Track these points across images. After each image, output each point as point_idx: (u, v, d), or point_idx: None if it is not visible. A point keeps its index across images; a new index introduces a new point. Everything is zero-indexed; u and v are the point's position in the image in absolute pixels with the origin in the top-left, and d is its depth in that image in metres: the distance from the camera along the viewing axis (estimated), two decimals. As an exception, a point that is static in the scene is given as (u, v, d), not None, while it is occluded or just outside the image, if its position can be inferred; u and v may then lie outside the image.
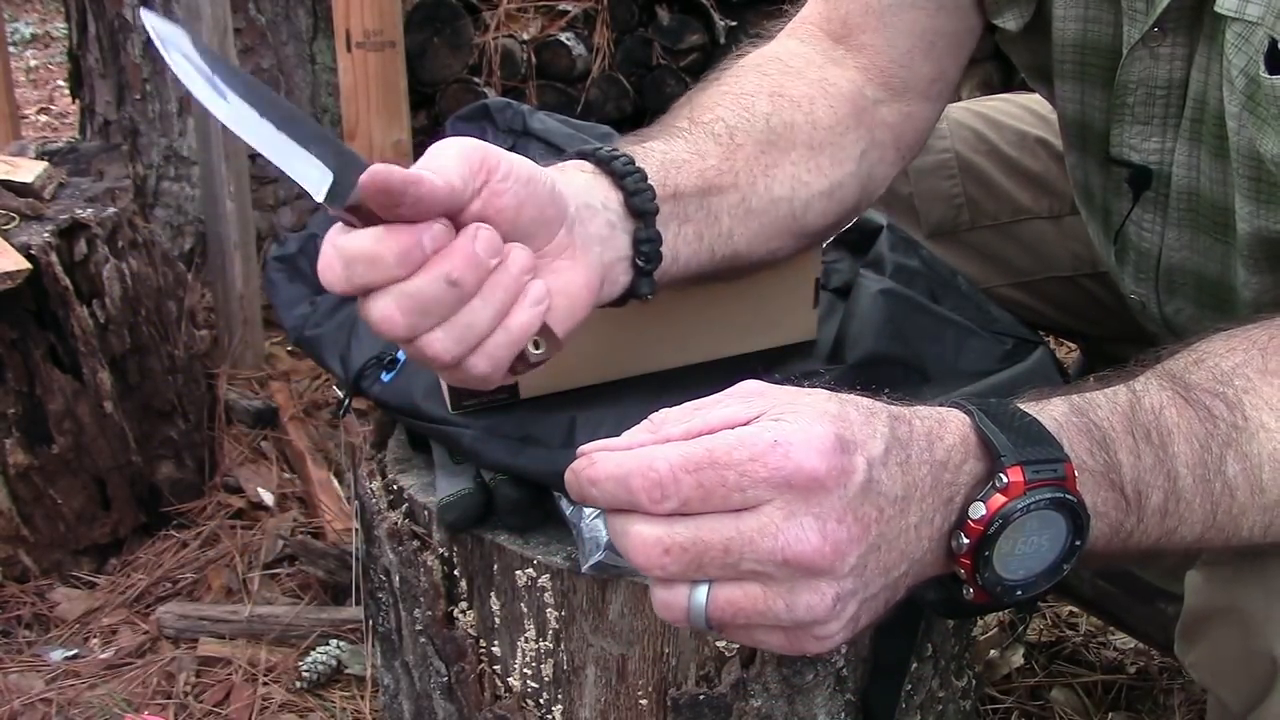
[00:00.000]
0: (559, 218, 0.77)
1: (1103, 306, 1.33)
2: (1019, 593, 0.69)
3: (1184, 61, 0.94)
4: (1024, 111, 1.38)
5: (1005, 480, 0.66)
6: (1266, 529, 0.75)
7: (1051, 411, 0.71)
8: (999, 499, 0.66)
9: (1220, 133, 0.92)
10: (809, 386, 0.68)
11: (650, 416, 0.66)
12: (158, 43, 0.68)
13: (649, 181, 0.84)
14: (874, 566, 0.64)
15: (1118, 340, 1.34)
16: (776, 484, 0.61)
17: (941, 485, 0.67)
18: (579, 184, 0.81)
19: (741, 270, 0.95)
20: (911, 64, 1.04)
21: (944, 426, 0.68)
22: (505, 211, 0.72)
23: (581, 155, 0.85)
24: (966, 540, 0.67)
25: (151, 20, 0.69)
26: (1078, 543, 0.69)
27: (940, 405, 0.70)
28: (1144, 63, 0.96)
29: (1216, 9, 0.86)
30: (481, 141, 0.73)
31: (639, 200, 0.83)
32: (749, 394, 0.66)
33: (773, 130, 0.94)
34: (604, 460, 0.63)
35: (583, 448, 0.66)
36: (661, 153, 0.88)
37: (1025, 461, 0.66)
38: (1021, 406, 0.70)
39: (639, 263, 0.83)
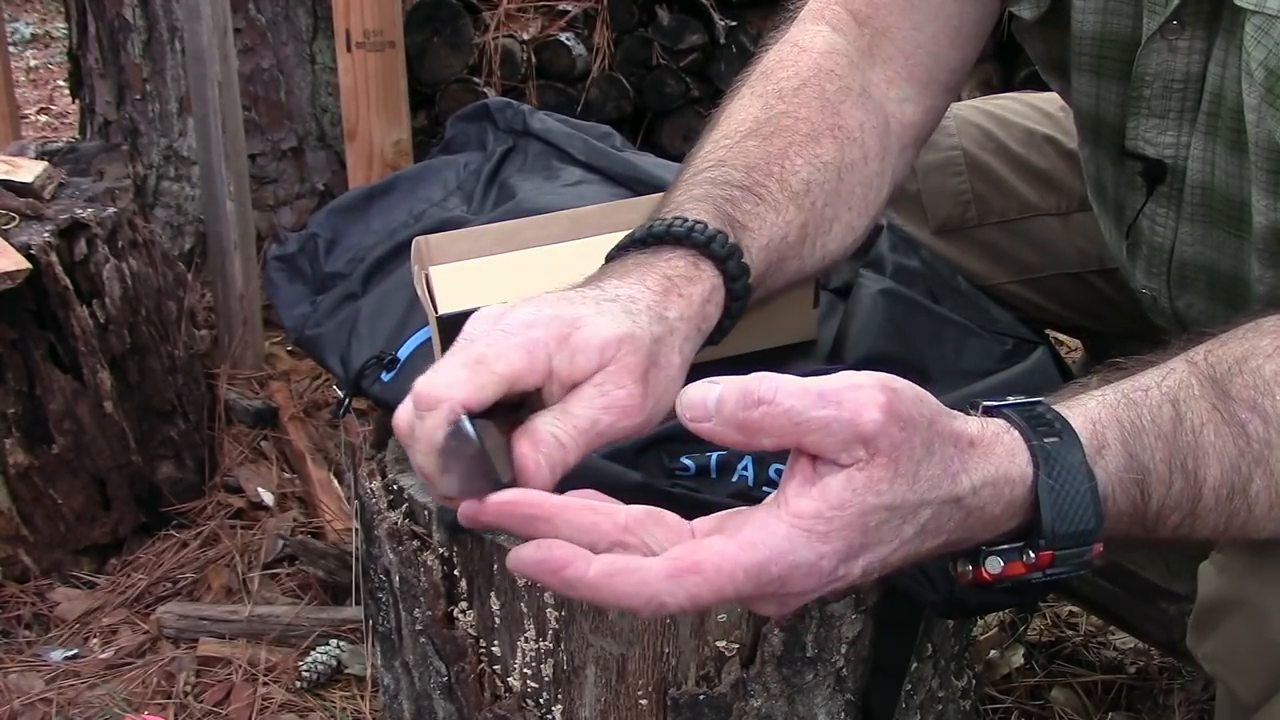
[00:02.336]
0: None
1: (1109, 303, 1.33)
2: (998, 586, 0.72)
3: (1202, 55, 0.94)
4: (1031, 110, 1.38)
5: (1033, 558, 0.69)
6: (1274, 534, 0.77)
7: (1108, 462, 0.71)
8: (1019, 568, 0.70)
9: (1238, 126, 0.92)
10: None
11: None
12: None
13: (750, 285, 0.86)
14: (836, 587, 0.68)
15: (1124, 337, 1.35)
16: (763, 588, 0.64)
17: (950, 544, 0.69)
18: (701, 310, 0.82)
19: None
20: (938, 50, 1.04)
21: (999, 498, 0.69)
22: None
23: (714, 257, 0.84)
24: (972, 575, 0.71)
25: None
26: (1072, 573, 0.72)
27: (1020, 434, 0.70)
28: (1161, 56, 0.96)
29: (1237, 2, 0.87)
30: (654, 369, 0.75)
31: (728, 323, 0.86)
32: (855, 438, 0.63)
33: (840, 179, 0.96)
34: (617, 579, 0.63)
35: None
36: (762, 240, 0.89)
37: (1059, 549, 0.69)
38: (1087, 449, 0.70)
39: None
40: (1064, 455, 0.69)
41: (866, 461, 0.64)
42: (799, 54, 1.03)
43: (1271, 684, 0.83)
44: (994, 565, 0.70)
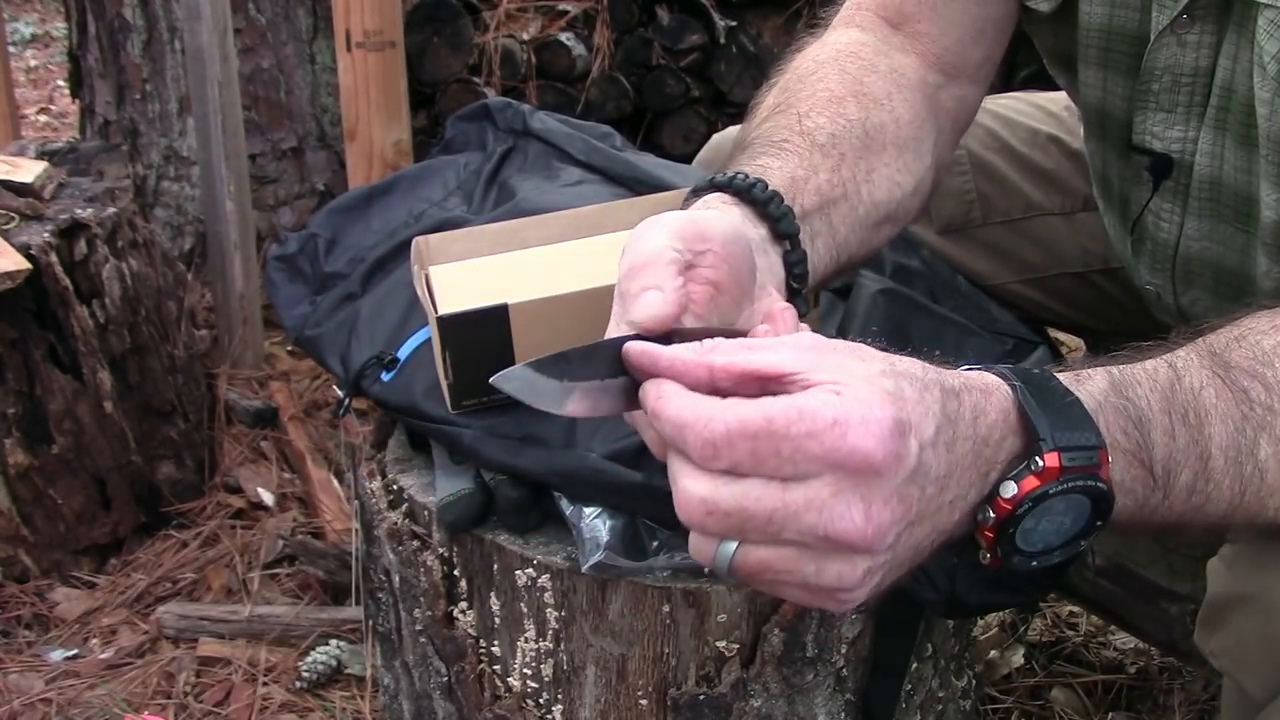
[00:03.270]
0: (752, 269, 0.81)
1: (1112, 303, 1.33)
2: (1034, 563, 0.71)
3: (1211, 49, 0.94)
4: (1035, 109, 1.38)
5: (1040, 464, 0.68)
6: None
7: (1090, 388, 0.72)
8: (1032, 481, 0.68)
9: (1248, 120, 0.92)
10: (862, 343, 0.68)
11: (703, 340, 0.67)
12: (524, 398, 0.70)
13: (785, 205, 0.87)
14: (907, 541, 0.66)
15: (1126, 336, 1.35)
16: (830, 463, 0.62)
17: (981, 460, 0.68)
18: (736, 222, 0.83)
19: (849, 272, 1.01)
20: (963, 50, 1.08)
21: (988, 399, 0.69)
22: (717, 280, 0.78)
23: (717, 186, 0.87)
24: (993, 515, 0.69)
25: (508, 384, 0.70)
26: (1099, 522, 0.71)
27: (985, 370, 0.71)
28: (1171, 50, 0.96)
29: None
30: (695, 221, 0.78)
31: (784, 225, 0.86)
32: (803, 347, 0.66)
33: (868, 135, 0.97)
34: (668, 401, 0.65)
35: (631, 348, 0.67)
36: (781, 172, 0.91)
37: (1063, 448, 0.68)
38: (1063, 380, 0.71)
39: (793, 284, 0.87)
40: (1039, 379, 0.70)
41: (816, 370, 0.64)
42: (820, 47, 1.06)
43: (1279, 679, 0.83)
44: (1008, 490, 0.68)
